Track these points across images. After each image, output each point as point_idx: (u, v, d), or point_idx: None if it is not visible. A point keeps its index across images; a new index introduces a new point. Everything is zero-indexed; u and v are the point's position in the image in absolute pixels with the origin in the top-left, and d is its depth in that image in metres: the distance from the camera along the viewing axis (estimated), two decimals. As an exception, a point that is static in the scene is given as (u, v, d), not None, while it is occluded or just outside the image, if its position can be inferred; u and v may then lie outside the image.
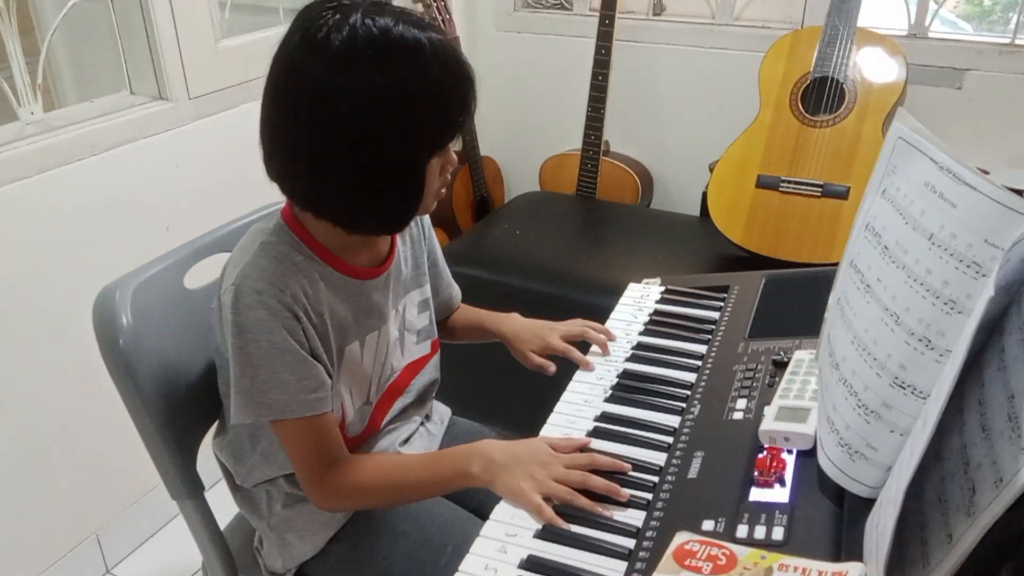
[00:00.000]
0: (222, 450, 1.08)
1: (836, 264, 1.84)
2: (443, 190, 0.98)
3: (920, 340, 0.69)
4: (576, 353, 1.12)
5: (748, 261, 1.88)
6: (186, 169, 1.75)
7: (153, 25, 1.66)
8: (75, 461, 1.68)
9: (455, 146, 1.64)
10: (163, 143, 1.70)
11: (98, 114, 1.62)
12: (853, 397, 0.76)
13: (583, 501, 0.85)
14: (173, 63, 1.70)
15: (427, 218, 1.17)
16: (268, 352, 0.91)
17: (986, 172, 1.97)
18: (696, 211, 2.31)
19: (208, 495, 1.08)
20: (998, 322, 0.62)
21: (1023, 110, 1.97)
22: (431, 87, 0.86)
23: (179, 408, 1.03)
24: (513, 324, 1.22)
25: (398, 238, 1.09)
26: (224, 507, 1.14)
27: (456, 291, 1.27)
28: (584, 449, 0.93)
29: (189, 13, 1.71)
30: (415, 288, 1.13)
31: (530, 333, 1.19)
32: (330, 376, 0.98)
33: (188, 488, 1.05)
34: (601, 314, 1.25)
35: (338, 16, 0.85)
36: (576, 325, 1.17)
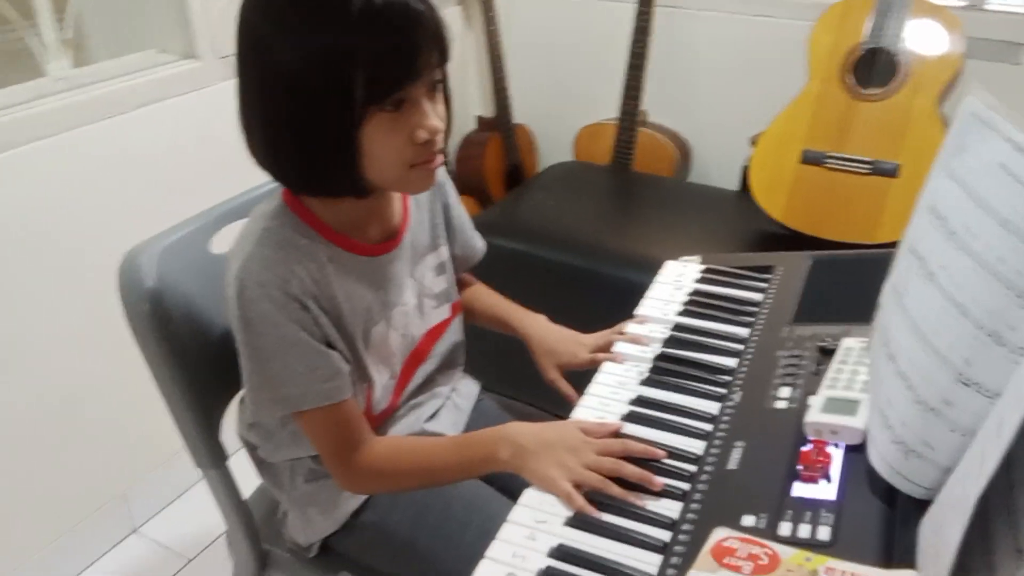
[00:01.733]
0: (248, 429, 1.06)
1: (885, 246, 1.78)
2: (422, 163, 0.88)
3: (989, 334, 0.64)
4: (602, 357, 1.05)
5: (789, 239, 1.82)
6: (214, 130, 1.71)
7: (183, -19, 1.63)
8: (102, 421, 1.68)
9: (487, 112, 1.57)
10: (192, 103, 1.68)
11: (126, 71, 1.59)
12: (910, 392, 0.71)
13: (615, 489, 0.81)
14: (203, 20, 1.66)
15: (441, 172, 1.09)
16: (277, 345, 0.88)
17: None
18: (735, 186, 2.24)
19: (233, 463, 1.07)
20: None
21: (1086, 88, 1.87)
22: (357, 31, 0.79)
23: (204, 376, 1.02)
24: (539, 327, 1.16)
25: (410, 203, 1.04)
26: (249, 476, 1.13)
27: (479, 244, 1.19)
28: (617, 434, 0.89)
29: (220, -31, 1.67)
30: (431, 252, 1.09)
31: (558, 344, 1.12)
32: (348, 360, 0.94)
33: (212, 457, 1.03)
34: (634, 291, 1.20)
35: None
36: (605, 337, 1.09)
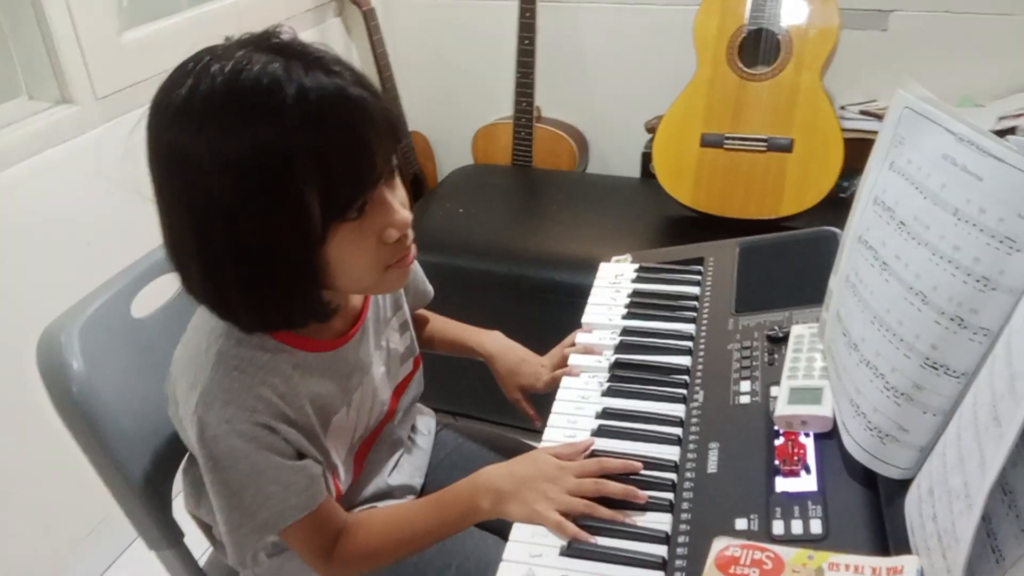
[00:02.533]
0: (196, 505, 0.99)
1: (790, 219, 1.84)
2: (397, 262, 0.81)
3: (952, 319, 0.67)
4: (560, 372, 1.04)
5: (699, 221, 1.87)
6: (101, 177, 1.60)
7: (46, 20, 1.50)
8: (20, 503, 1.55)
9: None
10: (73, 151, 1.56)
11: (-3, 125, 1.46)
12: (879, 379, 0.74)
13: (604, 512, 0.81)
14: (74, 61, 1.55)
15: None
16: (249, 475, 0.81)
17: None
18: (635, 172, 2.28)
19: (177, 516, 1.00)
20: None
21: (948, 48, 2.00)
22: (297, 141, 0.68)
23: (148, 453, 0.95)
24: (499, 346, 1.14)
25: None
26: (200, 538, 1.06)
27: (429, 289, 1.17)
28: (591, 451, 0.89)
29: (85, 4, 1.55)
30: (394, 314, 1.05)
31: (522, 365, 1.12)
32: (319, 461, 0.89)
33: (167, 537, 0.97)
34: (560, 291, 1.21)
35: (190, 66, 0.71)
36: (560, 356, 1.09)
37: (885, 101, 2.07)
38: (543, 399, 1.04)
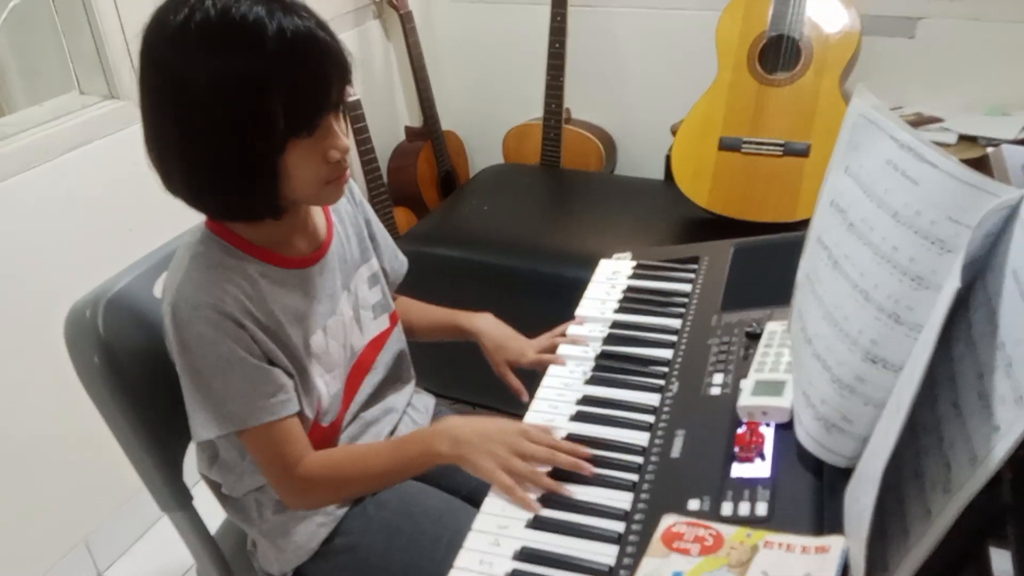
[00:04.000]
0: (209, 466, 1.07)
1: (801, 226, 1.87)
2: (335, 179, 0.94)
3: (890, 316, 0.71)
4: (547, 359, 1.11)
5: (716, 224, 1.90)
6: (144, 168, 1.70)
7: (96, 20, 1.62)
8: (58, 468, 1.67)
9: (415, 121, 1.57)
10: (118, 143, 1.67)
11: (49, 118, 1.58)
12: (827, 372, 0.78)
13: (547, 481, 0.86)
14: (121, 59, 1.66)
15: (358, 191, 1.16)
16: (216, 364, 0.91)
17: (941, 119, 2.00)
18: (660, 175, 2.32)
19: (195, 492, 1.08)
20: (964, 297, 0.64)
21: (975, 55, 1.99)
22: (273, 68, 0.83)
23: (161, 421, 1.03)
24: (489, 323, 1.22)
25: (333, 217, 1.08)
26: (214, 508, 1.14)
27: (403, 259, 1.24)
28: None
29: (134, 4, 1.66)
30: (363, 263, 1.13)
31: (508, 340, 1.19)
32: (292, 375, 0.98)
33: (176, 500, 1.05)
34: (574, 287, 1.25)
35: None
36: (548, 341, 1.16)
37: (912, 108, 2.07)
38: (530, 378, 1.09)
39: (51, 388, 1.59)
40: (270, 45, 0.83)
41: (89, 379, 0.99)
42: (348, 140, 0.94)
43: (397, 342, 1.20)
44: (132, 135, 1.68)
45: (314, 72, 0.86)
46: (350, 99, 1.94)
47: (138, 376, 1.02)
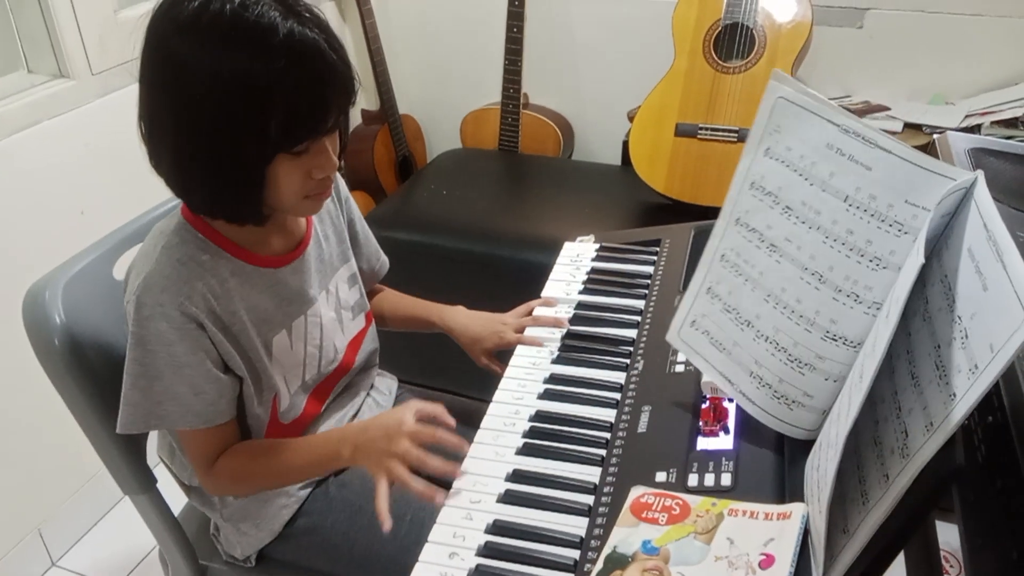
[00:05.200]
0: (170, 457, 1.07)
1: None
2: (316, 194, 0.92)
3: (848, 296, 0.74)
4: (528, 339, 1.12)
5: (673, 208, 1.93)
6: (96, 149, 1.67)
7: (45, -3, 1.57)
8: (10, 456, 1.62)
9: (370, 105, 1.56)
10: (68, 123, 1.62)
11: (-5, 97, 1.53)
12: (782, 352, 0.80)
13: (417, 487, 0.88)
14: (72, 37, 1.61)
15: (344, 188, 1.15)
16: (167, 365, 0.90)
17: (888, 108, 2.06)
18: (617, 160, 2.35)
19: (157, 473, 1.08)
20: (921, 274, 0.67)
21: (920, 46, 2.05)
22: (276, 78, 0.81)
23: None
24: (460, 318, 1.21)
25: (314, 217, 1.07)
26: (178, 490, 1.13)
27: (384, 259, 1.25)
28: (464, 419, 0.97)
29: (83, -19, 1.62)
30: (342, 264, 1.13)
31: (483, 330, 1.18)
32: (243, 377, 0.97)
33: (140, 483, 1.04)
34: (535, 271, 1.28)
35: None
36: (525, 316, 1.17)
37: (860, 96, 2.13)
38: (498, 355, 1.11)
39: (4, 373, 1.56)
40: (275, 52, 0.80)
41: (50, 362, 0.97)
42: (337, 162, 0.92)
43: (372, 341, 1.20)
44: (83, 115, 1.66)
45: (314, 94, 0.84)
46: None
47: (99, 359, 1.00)
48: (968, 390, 0.54)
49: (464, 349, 1.22)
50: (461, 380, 1.35)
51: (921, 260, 0.56)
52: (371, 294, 1.27)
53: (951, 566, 1.58)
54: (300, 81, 0.82)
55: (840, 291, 0.74)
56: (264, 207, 0.91)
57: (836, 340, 0.76)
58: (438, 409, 0.94)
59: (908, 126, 1.93)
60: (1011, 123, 1.84)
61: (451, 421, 0.93)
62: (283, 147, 0.85)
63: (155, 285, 0.89)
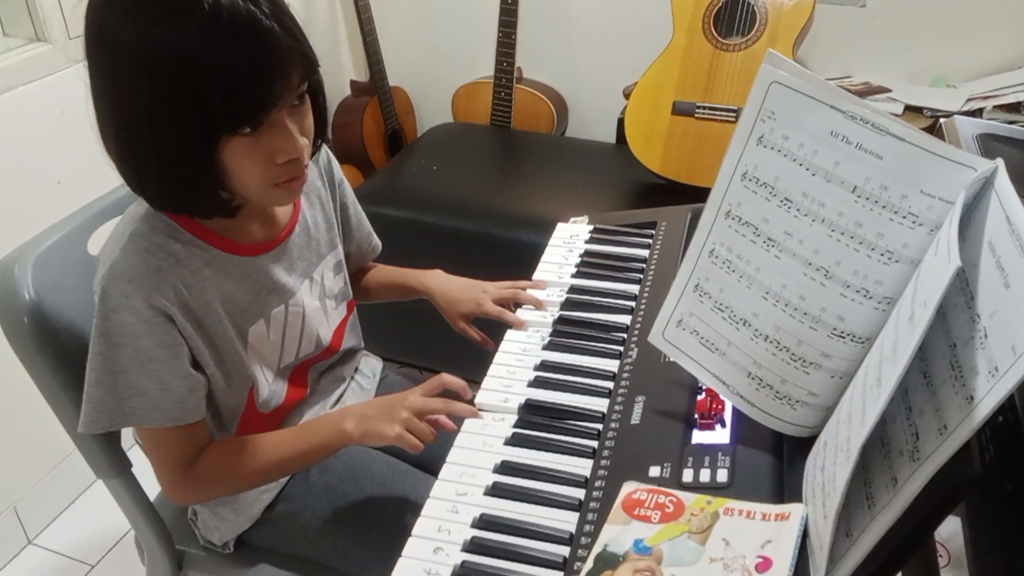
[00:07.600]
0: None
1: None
2: (284, 178, 0.85)
3: (858, 291, 0.70)
4: (509, 315, 1.08)
5: (668, 188, 1.89)
6: (73, 116, 1.61)
7: (21, -43, 1.50)
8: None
9: (359, 76, 1.46)
10: (45, 89, 1.56)
11: (-32, 60, 1.47)
12: (784, 352, 0.75)
13: (445, 419, 0.90)
14: (49, 0, 1.55)
15: (338, 170, 1.10)
16: (132, 359, 0.84)
17: (889, 89, 2.02)
18: (612, 137, 2.30)
19: (132, 456, 1.03)
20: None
21: (923, 27, 2.01)
22: (207, 52, 0.74)
23: (97, 384, 0.98)
24: (439, 279, 1.18)
25: (302, 201, 1.01)
26: (152, 474, 1.09)
27: (376, 243, 1.21)
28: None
29: (60, -59, 1.55)
30: (330, 252, 1.08)
31: (462, 293, 1.14)
32: (212, 372, 0.92)
33: (114, 467, 1.00)
34: (527, 250, 1.24)
35: None
36: (508, 288, 1.13)
37: (861, 77, 2.09)
38: (497, 328, 1.08)
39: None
40: (202, 19, 0.73)
41: (19, 341, 0.93)
42: (304, 141, 0.84)
43: (352, 327, 1.16)
44: (60, 80, 1.60)
45: (251, 60, 0.75)
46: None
47: (71, 338, 0.96)
48: (988, 394, 0.51)
49: (441, 313, 1.18)
50: (446, 359, 1.31)
51: (957, 263, 0.52)
52: (360, 272, 1.23)
53: (939, 556, 1.57)
54: (232, 54, 0.74)
55: (849, 286, 0.71)
56: (232, 198, 0.85)
57: (844, 337, 0.72)
58: (444, 379, 0.93)
59: (909, 108, 1.89)
60: (1014, 107, 1.80)
61: (462, 385, 0.93)
62: (227, 127, 0.78)
63: (121, 275, 0.83)
